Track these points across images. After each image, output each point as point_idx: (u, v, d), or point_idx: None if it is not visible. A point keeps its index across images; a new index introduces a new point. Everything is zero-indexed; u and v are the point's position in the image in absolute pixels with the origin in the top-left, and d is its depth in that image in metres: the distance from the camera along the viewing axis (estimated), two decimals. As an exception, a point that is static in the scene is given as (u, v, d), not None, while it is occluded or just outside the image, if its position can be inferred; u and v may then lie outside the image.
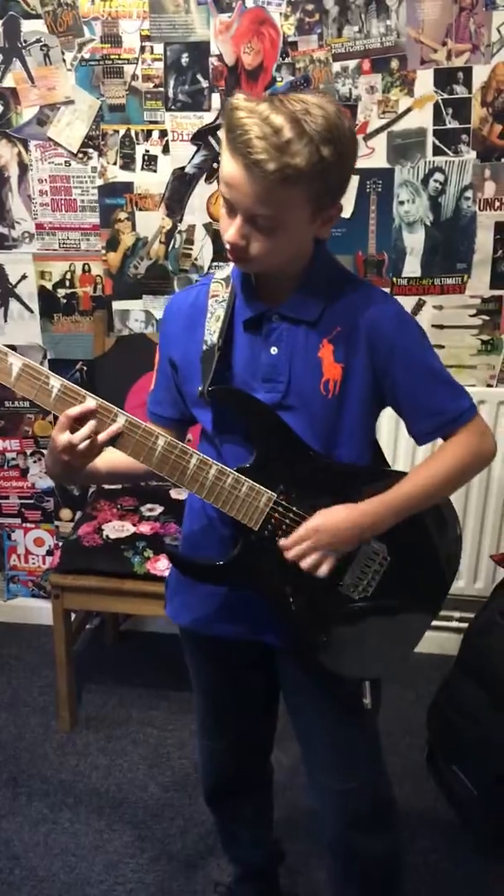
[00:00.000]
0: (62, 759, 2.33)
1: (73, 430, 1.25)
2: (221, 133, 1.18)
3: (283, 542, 1.30)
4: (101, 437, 1.26)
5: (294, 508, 1.31)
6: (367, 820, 1.55)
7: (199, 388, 1.31)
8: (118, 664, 2.69)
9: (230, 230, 1.21)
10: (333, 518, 1.29)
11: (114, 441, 1.27)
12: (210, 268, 2.50)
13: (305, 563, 1.29)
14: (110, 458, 1.33)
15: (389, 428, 2.30)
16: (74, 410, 1.25)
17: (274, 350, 1.30)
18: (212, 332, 1.32)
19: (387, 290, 2.46)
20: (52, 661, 2.43)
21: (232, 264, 1.32)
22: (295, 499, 1.31)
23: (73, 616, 2.43)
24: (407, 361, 1.31)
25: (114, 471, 1.40)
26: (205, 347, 1.32)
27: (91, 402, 1.25)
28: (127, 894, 1.93)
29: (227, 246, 1.23)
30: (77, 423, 1.25)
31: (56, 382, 1.25)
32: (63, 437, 1.25)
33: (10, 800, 2.18)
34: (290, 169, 1.12)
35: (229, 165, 1.16)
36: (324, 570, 1.30)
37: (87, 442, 1.25)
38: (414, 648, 1.48)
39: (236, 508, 1.31)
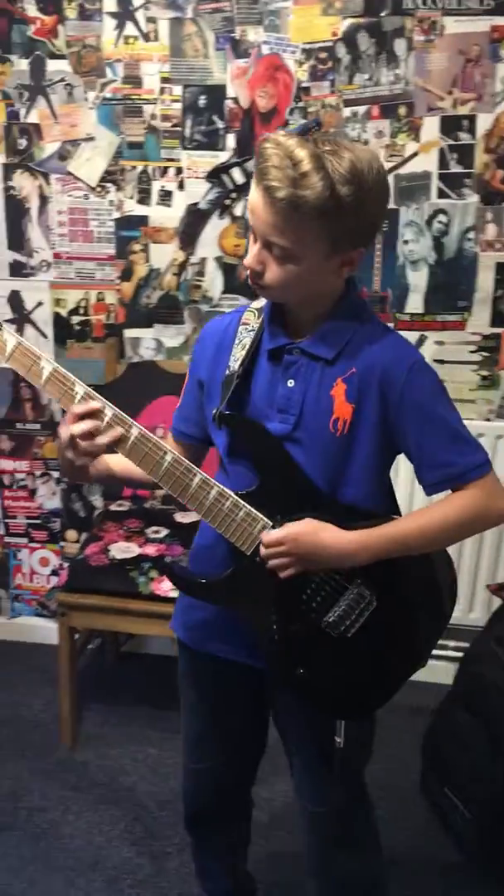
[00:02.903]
0: (62, 775, 2.36)
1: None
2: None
3: (264, 536, 1.32)
4: (102, 438, 1.31)
5: None
6: (342, 842, 1.58)
7: (213, 411, 1.36)
8: (118, 684, 2.74)
9: (248, 255, 1.27)
10: (314, 534, 1.31)
11: (117, 445, 1.32)
12: (220, 299, 2.59)
13: (272, 563, 1.33)
14: (127, 464, 1.38)
15: (407, 475, 2.32)
16: (79, 408, 1.31)
17: (291, 383, 1.33)
18: (236, 358, 1.36)
19: (390, 325, 2.54)
20: (53, 679, 2.47)
21: None
22: None
23: (76, 636, 2.48)
24: (416, 411, 1.31)
25: (129, 476, 1.44)
26: (228, 372, 1.37)
27: (96, 403, 1.31)
28: (124, 909, 1.96)
29: (248, 271, 1.30)
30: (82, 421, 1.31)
31: (80, 389, 1.32)
32: (65, 431, 1.32)
33: (10, 814, 2.22)
34: (299, 200, 1.16)
35: (252, 192, 1.23)
36: (285, 573, 1.33)
37: (89, 442, 1.31)
38: (392, 695, 1.46)
39: (231, 531, 1.34)
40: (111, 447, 1.33)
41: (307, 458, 1.33)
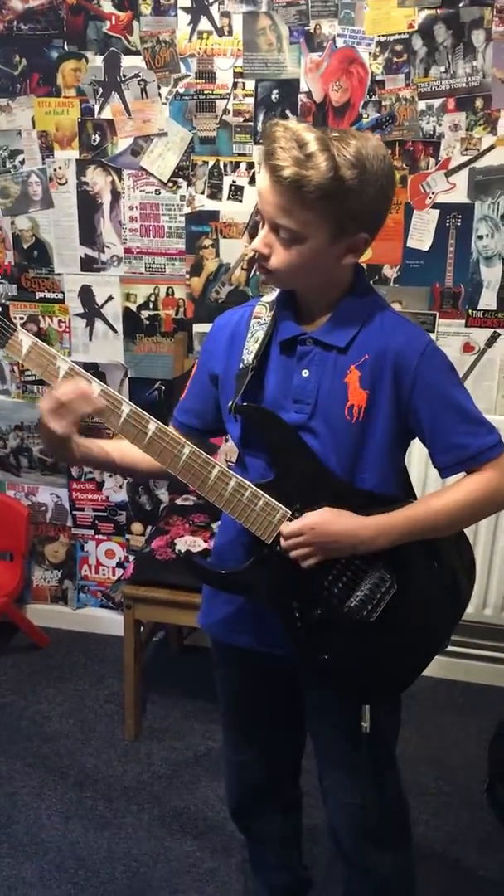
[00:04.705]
0: (126, 766, 2.39)
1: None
2: None
3: (283, 527, 1.34)
4: (87, 408, 1.30)
5: None
6: (376, 834, 1.58)
7: (230, 404, 1.37)
8: (182, 677, 2.75)
9: (257, 238, 1.29)
10: (332, 522, 1.33)
11: (108, 421, 1.33)
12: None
13: (294, 554, 1.34)
14: (129, 452, 1.39)
15: (420, 458, 2.27)
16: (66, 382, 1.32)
17: (305, 372, 1.35)
18: (249, 351, 1.38)
19: (461, 322, 2.50)
20: (118, 670, 2.50)
21: (278, 290, 1.40)
22: None
23: (141, 628, 2.50)
24: (430, 394, 1.33)
25: (132, 466, 1.46)
26: (241, 365, 1.39)
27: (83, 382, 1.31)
28: (186, 902, 1.98)
29: (255, 256, 1.32)
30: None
31: (63, 364, 1.33)
32: (46, 399, 1.31)
33: (76, 803, 2.25)
34: (303, 180, 1.18)
35: (260, 176, 1.26)
36: (307, 563, 1.34)
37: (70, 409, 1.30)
38: (415, 678, 1.47)
39: (251, 521, 1.36)
40: (95, 420, 1.34)
41: (323, 446, 1.35)
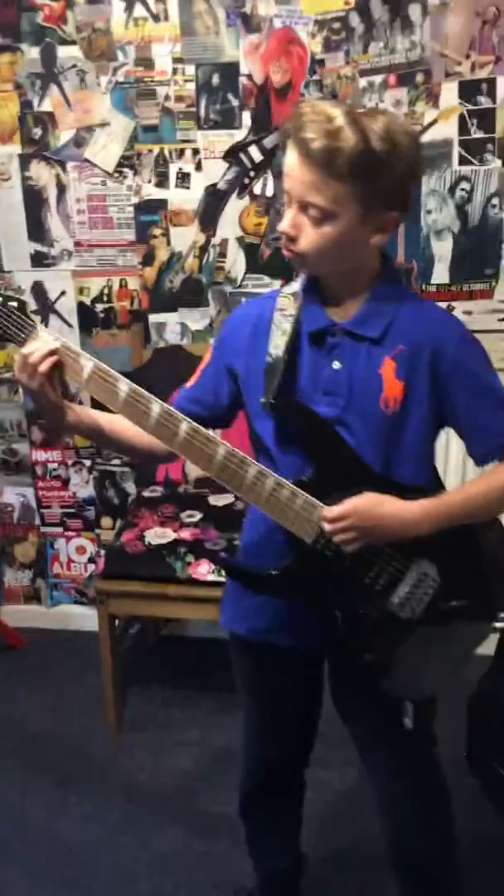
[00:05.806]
0: (109, 760, 2.39)
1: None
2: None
3: (325, 512, 1.31)
4: (43, 366, 1.26)
5: None
6: (420, 818, 1.58)
7: (262, 400, 1.33)
8: (160, 669, 2.76)
9: (284, 219, 1.26)
10: (377, 506, 1.30)
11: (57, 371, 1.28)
12: (243, 280, 2.57)
13: (338, 538, 1.31)
14: (119, 423, 1.35)
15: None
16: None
17: (336, 364, 1.33)
18: (277, 345, 1.34)
19: (416, 297, 2.51)
20: (95, 665, 2.50)
21: (300, 280, 1.37)
22: None
23: (116, 622, 2.50)
24: (467, 382, 1.31)
25: (119, 438, 1.41)
26: (269, 360, 1.34)
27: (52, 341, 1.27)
28: (175, 889, 1.98)
29: (282, 239, 1.27)
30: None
31: (124, 387, 1.29)
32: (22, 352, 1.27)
33: (62, 800, 2.25)
34: (335, 152, 1.16)
35: (288, 154, 1.22)
36: (350, 548, 1.31)
37: (39, 365, 1.26)
38: (462, 670, 1.46)
39: (291, 520, 1.32)
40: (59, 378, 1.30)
41: (358, 439, 1.33)
